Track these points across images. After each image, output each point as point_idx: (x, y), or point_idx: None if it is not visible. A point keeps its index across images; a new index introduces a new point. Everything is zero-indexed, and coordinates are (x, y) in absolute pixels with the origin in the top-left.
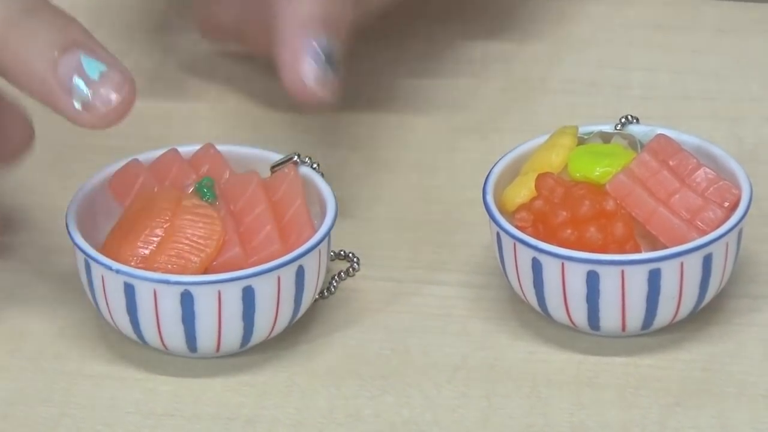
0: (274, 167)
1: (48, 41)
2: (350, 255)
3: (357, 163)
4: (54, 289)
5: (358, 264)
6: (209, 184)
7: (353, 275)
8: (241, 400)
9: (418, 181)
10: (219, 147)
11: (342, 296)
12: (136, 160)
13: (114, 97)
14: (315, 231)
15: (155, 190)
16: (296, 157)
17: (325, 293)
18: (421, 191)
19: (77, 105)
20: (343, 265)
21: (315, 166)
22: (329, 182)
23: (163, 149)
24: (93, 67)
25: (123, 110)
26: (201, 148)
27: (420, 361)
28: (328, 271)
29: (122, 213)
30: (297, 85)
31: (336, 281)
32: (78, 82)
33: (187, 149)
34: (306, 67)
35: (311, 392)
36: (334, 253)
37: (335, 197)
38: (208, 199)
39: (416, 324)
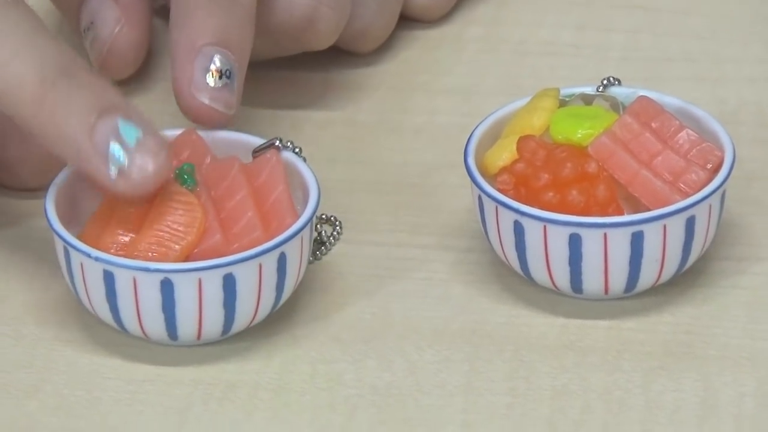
0: (256, 152)
1: (84, 105)
2: (332, 218)
3: (337, 126)
4: (34, 256)
5: (341, 228)
6: (190, 170)
7: (338, 240)
8: (222, 366)
9: (398, 145)
10: (200, 132)
11: (322, 260)
12: None
13: (150, 165)
14: (298, 217)
15: None
16: (278, 141)
17: (311, 259)
18: (401, 154)
19: (113, 172)
20: (327, 229)
21: (297, 150)
22: (309, 156)
23: None
24: (130, 133)
25: (158, 179)
26: (182, 133)
27: (401, 326)
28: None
29: (102, 199)
30: (191, 104)
31: (325, 248)
32: (114, 148)
33: (167, 134)
34: (198, 85)
35: (292, 357)
36: (317, 217)
37: (318, 183)
38: (189, 185)
39: (397, 288)
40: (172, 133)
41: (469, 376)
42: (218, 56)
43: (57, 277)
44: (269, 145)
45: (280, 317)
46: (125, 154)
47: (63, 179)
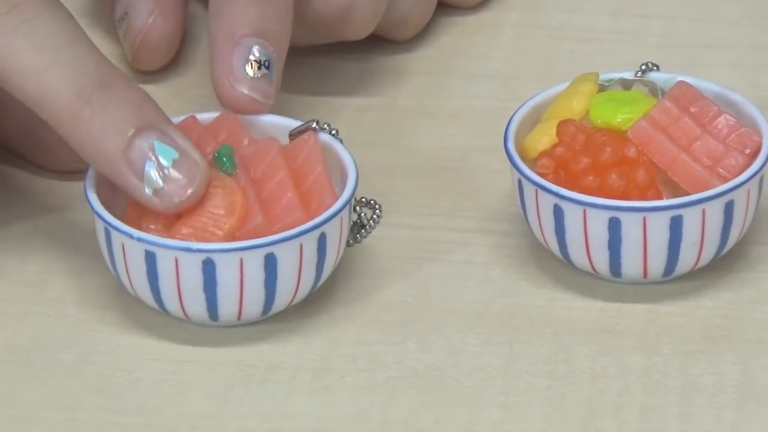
0: (293, 134)
1: (121, 120)
2: (371, 202)
3: (376, 111)
4: (76, 238)
5: (380, 211)
6: (228, 153)
7: (378, 223)
8: (263, 347)
9: (436, 129)
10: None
11: (362, 243)
12: None
13: (186, 188)
14: (337, 198)
15: None
16: (315, 123)
17: (350, 242)
18: (440, 139)
19: (148, 191)
20: (367, 212)
21: (334, 132)
22: (348, 140)
23: (182, 116)
24: (166, 154)
25: (194, 200)
26: (219, 116)
27: (441, 308)
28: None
29: None
30: (230, 95)
31: (365, 231)
32: (150, 168)
33: (205, 116)
34: (237, 76)
35: (333, 339)
36: (356, 200)
37: (356, 163)
38: (228, 168)
39: (437, 271)
40: (209, 115)
41: (508, 359)
42: (257, 47)
43: (98, 259)
44: (306, 127)
45: (320, 299)
46: (161, 175)
47: None
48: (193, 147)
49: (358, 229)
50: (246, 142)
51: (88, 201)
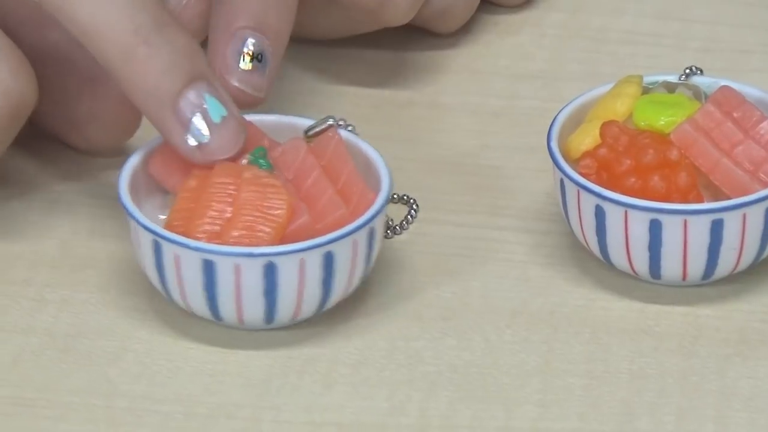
0: (310, 133)
1: (175, 67)
2: (405, 197)
3: (417, 107)
4: (118, 224)
5: (417, 208)
6: (263, 154)
7: (413, 219)
8: (302, 340)
9: (479, 127)
10: (248, 117)
11: (401, 239)
12: None
13: (231, 146)
14: (374, 193)
15: (205, 166)
16: (332, 120)
17: (388, 233)
18: (481, 137)
19: (192, 143)
20: (403, 210)
21: (350, 128)
22: (388, 136)
23: None
24: (216, 109)
25: (234, 157)
26: None
27: (480, 305)
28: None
29: (179, 192)
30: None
31: (400, 228)
32: (198, 121)
33: None
34: (229, 68)
35: (372, 334)
36: (392, 195)
37: (382, 156)
38: (266, 168)
39: (476, 268)
40: None
41: (546, 357)
42: (252, 40)
43: None
44: (322, 125)
45: (360, 294)
46: (208, 129)
47: (129, 169)
48: (234, 104)
49: (386, 225)
50: (266, 143)
51: (129, 213)
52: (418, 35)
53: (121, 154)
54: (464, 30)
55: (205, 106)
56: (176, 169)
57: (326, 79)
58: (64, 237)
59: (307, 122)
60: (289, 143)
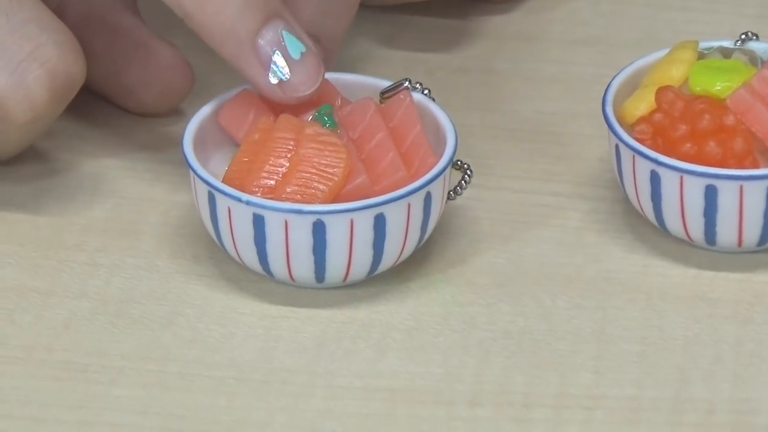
0: (385, 94)
1: (250, 7)
2: (458, 162)
3: (473, 73)
4: (170, 189)
5: (470, 174)
6: (329, 112)
7: (467, 185)
8: (356, 305)
9: (534, 93)
10: (327, 75)
11: (456, 204)
12: (247, 89)
13: (311, 82)
14: (438, 157)
15: (269, 120)
16: (407, 82)
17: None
18: (537, 103)
19: (273, 80)
20: (457, 175)
21: (426, 92)
22: (444, 102)
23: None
24: (295, 46)
25: (314, 93)
26: None
27: (535, 272)
28: None
29: (240, 145)
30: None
31: (453, 194)
32: (278, 59)
33: None
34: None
35: (426, 299)
36: None
37: (452, 122)
38: (329, 126)
39: (530, 234)
40: None
41: (601, 324)
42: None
43: (192, 211)
44: (398, 87)
45: (414, 260)
46: (288, 66)
47: (195, 127)
48: (311, 40)
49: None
50: (338, 102)
51: (189, 164)
52: (470, 1)
53: (179, 114)
54: None
55: (283, 43)
56: (246, 121)
57: (379, 44)
58: (116, 201)
59: (385, 83)
60: (358, 102)
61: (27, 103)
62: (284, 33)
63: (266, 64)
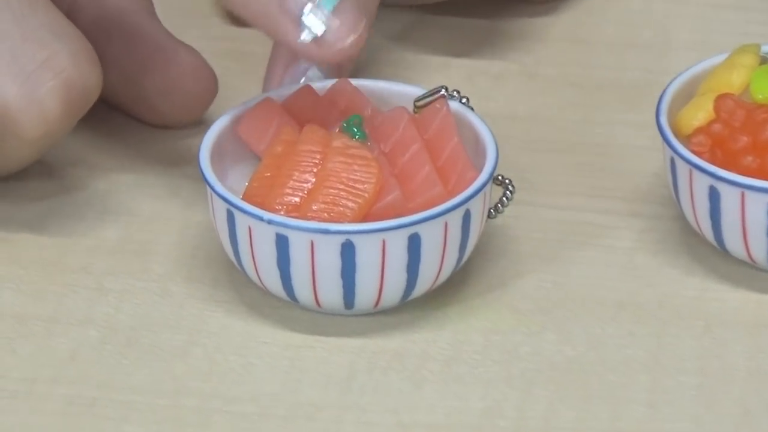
0: (420, 102)
1: None
2: (499, 177)
3: (514, 78)
4: (186, 207)
5: (512, 190)
6: (358, 122)
7: (509, 202)
8: (389, 333)
9: (581, 101)
10: (353, 82)
11: (496, 224)
12: (269, 98)
13: (349, 36)
14: (476, 171)
15: (293, 131)
16: (444, 90)
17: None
18: (584, 111)
19: (307, 38)
20: (497, 191)
21: (464, 100)
22: (482, 110)
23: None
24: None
25: (357, 48)
26: (336, 84)
27: (583, 296)
28: None
29: (262, 159)
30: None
31: (493, 211)
32: (309, 14)
33: (319, 85)
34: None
35: (465, 327)
36: None
37: (493, 133)
38: (359, 138)
39: (578, 255)
40: (323, 84)
41: (655, 353)
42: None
43: (209, 231)
44: (434, 95)
45: (452, 284)
46: (321, 20)
47: (211, 140)
48: None
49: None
50: (369, 111)
51: (206, 179)
52: (512, 2)
53: (199, 125)
54: None
55: None
56: (268, 132)
57: (413, 48)
58: (126, 220)
59: (419, 91)
60: (391, 112)
61: (39, 117)
62: None
63: (297, 21)
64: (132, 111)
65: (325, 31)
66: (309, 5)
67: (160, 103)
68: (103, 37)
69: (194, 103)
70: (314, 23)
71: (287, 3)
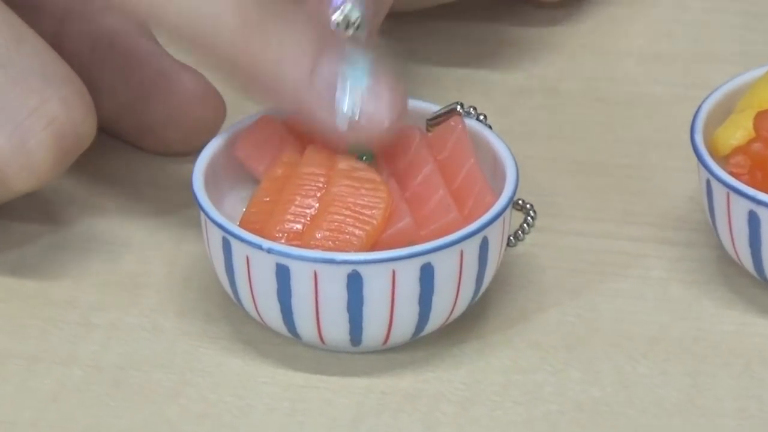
0: (433, 120)
1: (299, 45)
2: (520, 202)
3: (534, 94)
4: (178, 235)
5: (534, 215)
6: None
7: (531, 228)
8: (399, 372)
9: (607, 118)
10: None
11: (517, 252)
12: (267, 116)
13: (385, 117)
14: (495, 195)
15: (295, 152)
16: (459, 107)
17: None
18: (611, 129)
19: (342, 124)
20: (517, 217)
21: (482, 117)
22: (499, 129)
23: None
24: (358, 79)
25: (395, 127)
26: None
27: (611, 331)
28: None
29: (261, 182)
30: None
31: (513, 239)
32: (341, 97)
33: None
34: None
35: (483, 365)
36: None
37: (512, 153)
38: (366, 160)
39: (606, 287)
40: None
41: (690, 393)
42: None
43: (203, 261)
44: (449, 113)
45: (469, 317)
46: (354, 105)
47: (206, 161)
48: (382, 65)
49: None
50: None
51: (199, 205)
52: (527, 6)
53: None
54: (589, 1)
55: (346, 79)
56: (267, 154)
57: (424, 61)
58: (114, 250)
59: (433, 107)
60: (401, 132)
61: (28, 170)
62: (343, 66)
63: (330, 107)
64: (133, 141)
65: (359, 117)
66: (339, 88)
67: (164, 133)
68: (96, 62)
69: (201, 131)
70: (348, 107)
71: (317, 89)
